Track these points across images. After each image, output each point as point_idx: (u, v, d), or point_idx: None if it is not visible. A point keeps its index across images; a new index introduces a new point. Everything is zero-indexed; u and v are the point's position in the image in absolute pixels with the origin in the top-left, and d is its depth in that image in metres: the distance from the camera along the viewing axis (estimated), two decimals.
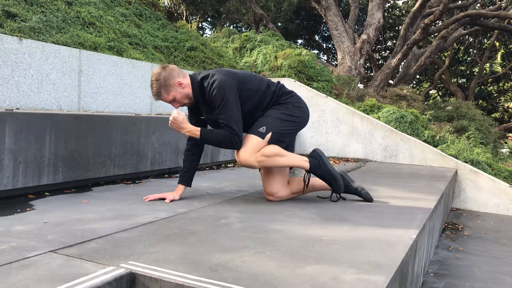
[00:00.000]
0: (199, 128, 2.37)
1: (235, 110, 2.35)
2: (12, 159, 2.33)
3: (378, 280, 1.36)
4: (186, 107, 2.61)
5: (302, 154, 2.73)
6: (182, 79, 2.38)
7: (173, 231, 1.82)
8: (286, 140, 2.51)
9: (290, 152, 2.53)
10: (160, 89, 2.35)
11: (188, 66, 5.88)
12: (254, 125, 2.45)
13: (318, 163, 2.52)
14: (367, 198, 2.70)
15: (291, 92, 2.60)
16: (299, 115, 2.54)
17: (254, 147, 2.38)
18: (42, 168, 2.50)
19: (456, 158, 5.41)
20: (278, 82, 2.60)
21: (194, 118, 2.58)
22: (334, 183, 2.58)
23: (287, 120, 2.48)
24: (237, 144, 2.36)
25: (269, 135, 2.40)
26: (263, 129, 2.40)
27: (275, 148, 2.41)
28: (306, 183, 2.61)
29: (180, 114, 2.36)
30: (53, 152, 2.56)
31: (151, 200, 2.43)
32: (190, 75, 2.43)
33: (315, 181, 2.70)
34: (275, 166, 2.47)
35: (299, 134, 6.19)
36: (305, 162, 2.51)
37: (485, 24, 10.40)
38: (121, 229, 1.81)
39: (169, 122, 2.38)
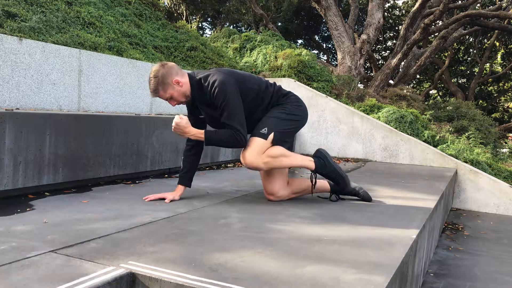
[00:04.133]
0: (203, 131, 2.38)
1: (237, 108, 2.36)
2: (12, 159, 2.33)
3: (378, 280, 1.36)
4: (186, 108, 2.62)
5: (305, 155, 2.73)
6: (180, 78, 2.38)
7: (173, 231, 1.82)
8: (289, 140, 2.55)
9: (295, 153, 2.56)
10: (158, 86, 2.36)
11: (188, 66, 5.88)
12: (256, 127, 2.47)
13: (323, 162, 2.55)
14: (366, 198, 2.70)
15: (289, 92, 2.61)
16: (298, 113, 2.56)
17: (259, 149, 2.39)
18: (42, 168, 2.50)
19: (456, 158, 5.41)
20: (275, 84, 2.61)
21: (193, 118, 2.58)
22: (341, 181, 2.62)
23: (287, 120, 2.49)
24: (242, 142, 2.37)
25: (271, 136, 2.41)
26: (265, 130, 2.42)
27: (280, 149, 2.44)
28: (314, 183, 2.62)
29: (182, 119, 2.36)
30: (53, 152, 2.55)
31: (151, 200, 2.44)
32: (188, 74, 2.44)
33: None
34: (281, 167, 2.48)
35: (299, 134, 6.19)
36: (310, 162, 2.53)
37: (485, 24, 10.39)
38: (121, 229, 1.81)
39: (172, 127, 2.39)
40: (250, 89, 2.45)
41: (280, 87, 2.60)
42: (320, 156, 2.57)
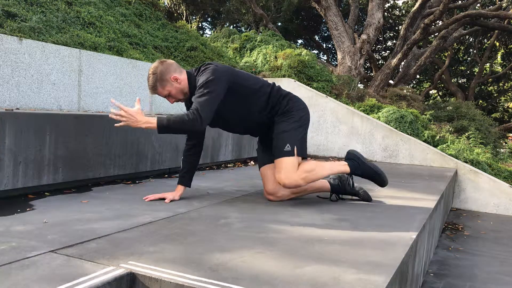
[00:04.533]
0: (155, 118, 2.24)
1: (213, 93, 2.26)
2: (12, 159, 2.32)
3: (378, 280, 1.35)
4: (185, 107, 2.61)
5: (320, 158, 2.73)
6: (179, 75, 2.38)
7: (173, 231, 1.82)
8: (306, 145, 2.56)
9: (326, 162, 2.58)
10: (156, 83, 2.35)
11: (188, 66, 5.88)
12: (275, 149, 2.45)
13: (356, 163, 2.57)
14: (366, 198, 2.70)
15: (289, 93, 2.59)
16: (303, 116, 2.57)
17: (293, 167, 2.38)
18: (42, 168, 2.50)
19: (456, 158, 5.41)
20: (274, 84, 2.59)
21: None
22: (378, 178, 2.62)
23: (299, 127, 2.50)
24: (197, 123, 2.20)
25: (295, 149, 2.42)
26: (288, 146, 2.41)
27: (312, 162, 2.47)
28: (352, 185, 2.66)
29: (135, 107, 2.26)
30: (53, 152, 2.55)
31: (151, 200, 2.43)
32: (187, 71, 2.44)
33: (315, 182, 2.70)
34: (318, 179, 2.49)
35: None
36: (344, 167, 2.55)
37: (485, 24, 10.40)
38: (121, 229, 1.81)
39: (123, 117, 2.22)
40: (245, 86, 2.43)
41: (279, 87, 2.59)
42: (352, 158, 2.58)
